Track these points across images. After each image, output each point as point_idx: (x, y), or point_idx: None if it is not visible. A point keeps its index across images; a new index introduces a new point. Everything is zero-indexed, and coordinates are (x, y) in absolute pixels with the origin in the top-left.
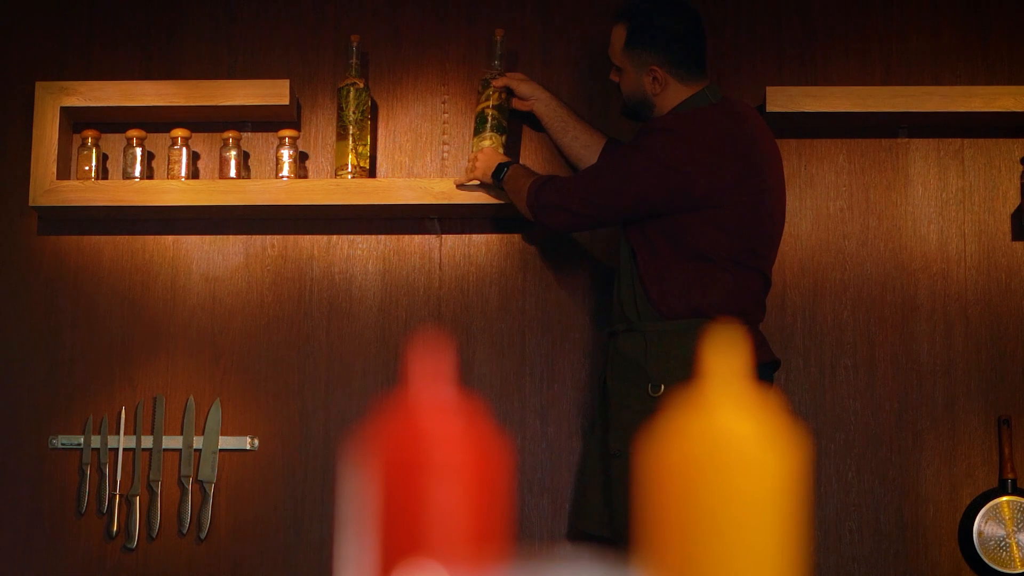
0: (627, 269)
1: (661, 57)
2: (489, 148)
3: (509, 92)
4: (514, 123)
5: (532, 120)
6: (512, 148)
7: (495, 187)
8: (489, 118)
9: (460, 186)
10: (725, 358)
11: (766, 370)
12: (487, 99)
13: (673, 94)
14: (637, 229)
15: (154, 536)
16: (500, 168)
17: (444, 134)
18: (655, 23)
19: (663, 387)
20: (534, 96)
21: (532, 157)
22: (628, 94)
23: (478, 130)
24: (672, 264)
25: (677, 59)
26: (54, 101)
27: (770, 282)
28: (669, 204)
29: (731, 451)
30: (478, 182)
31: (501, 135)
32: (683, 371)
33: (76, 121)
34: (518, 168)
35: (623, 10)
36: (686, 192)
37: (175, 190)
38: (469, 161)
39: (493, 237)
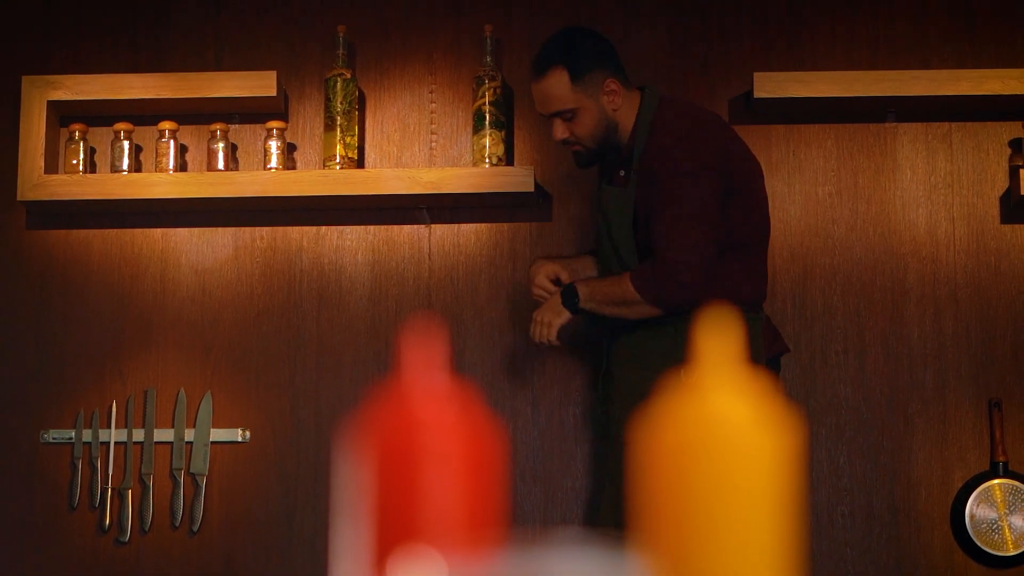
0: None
1: (608, 69)
2: (546, 304)
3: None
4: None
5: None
6: (508, 142)
7: (581, 319)
8: (487, 115)
9: (539, 346)
10: (719, 344)
11: (776, 360)
12: (483, 96)
13: (626, 103)
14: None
15: (147, 529)
16: (569, 296)
17: (432, 124)
18: (585, 44)
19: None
20: (556, 273)
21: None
22: (593, 130)
23: (477, 128)
24: (716, 257)
25: (617, 65)
26: (41, 95)
27: None
28: (723, 198)
29: (725, 436)
30: (555, 337)
31: (500, 131)
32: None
33: (63, 115)
34: (583, 284)
35: (549, 55)
36: (728, 182)
37: (163, 183)
38: (532, 324)
39: (482, 226)
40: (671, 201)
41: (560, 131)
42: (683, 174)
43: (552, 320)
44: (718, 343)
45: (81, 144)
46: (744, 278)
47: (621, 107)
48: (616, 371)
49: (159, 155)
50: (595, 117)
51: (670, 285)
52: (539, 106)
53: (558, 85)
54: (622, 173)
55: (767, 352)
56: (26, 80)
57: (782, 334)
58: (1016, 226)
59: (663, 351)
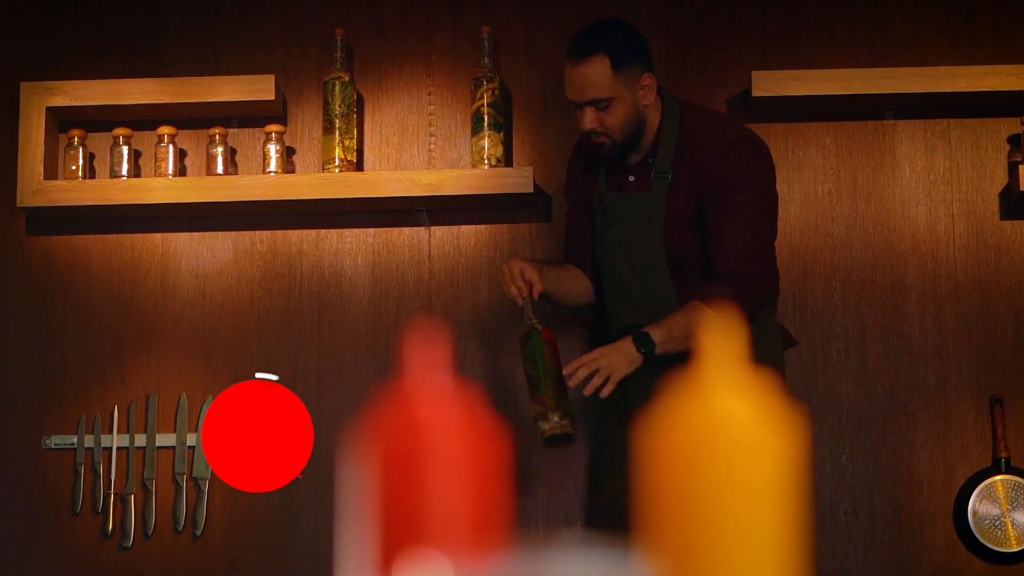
0: (662, 275)
1: (646, 63)
2: (604, 350)
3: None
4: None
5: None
6: (506, 143)
7: (650, 361)
8: (486, 116)
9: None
10: (722, 343)
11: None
12: (481, 98)
13: (654, 104)
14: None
15: (150, 534)
16: (643, 342)
17: (431, 126)
18: (627, 35)
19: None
20: (534, 280)
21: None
22: (624, 122)
23: (476, 130)
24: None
25: (652, 63)
26: (39, 101)
27: None
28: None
29: (729, 434)
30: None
31: (499, 132)
32: (763, 356)
33: (62, 121)
34: (655, 328)
35: (592, 41)
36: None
37: (163, 188)
38: (583, 368)
39: (482, 228)
40: (743, 213)
41: (589, 120)
42: (756, 190)
43: (621, 373)
44: (721, 342)
45: (80, 149)
46: (775, 279)
47: (652, 104)
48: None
49: (158, 160)
50: (628, 110)
51: (758, 302)
52: (573, 92)
53: (599, 72)
54: (632, 179)
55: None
56: (25, 86)
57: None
58: (1015, 222)
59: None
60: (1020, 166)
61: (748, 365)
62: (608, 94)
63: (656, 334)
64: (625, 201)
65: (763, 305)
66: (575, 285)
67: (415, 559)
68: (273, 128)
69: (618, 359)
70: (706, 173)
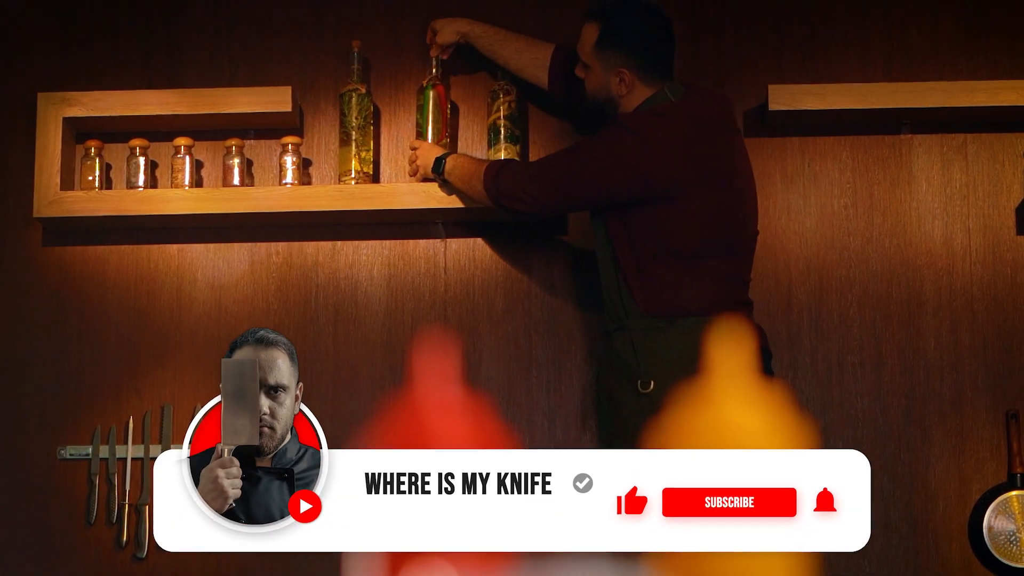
0: (607, 266)
1: (631, 60)
2: (426, 143)
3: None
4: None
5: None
6: (523, 156)
7: (438, 181)
8: (502, 129)
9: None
10: (728, 353)
11: (765, 357)
12: (497, 110)
13: (637, 95)
14: (618, 225)
15: None
16: (438, 162)
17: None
18: (628, 26)
19: (653, 384)
20: (460, 32)
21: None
22: (593, 92)
23: (492, 142)
24: (652, 263)
25: (646, 63)
26: (56, 112)
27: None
28: (625, 197)
29: (738, 445)
30: (422, 178)
31: (515, 144)
32: (675, 368)
33: (79, 131)
34: (458, 158)
35: (597, 9)
36: (643, 190)
37: (179, 199)
38: (410, 161)
39: (498, 240)
40: (581, 142)
41: (578, 68)
42: (605, 146)
43: (424, 173)
44: (727, 353)
45: (97, 160)
46: (679, 284)
47: (627, 96)
48: (603, 381)
49: (175, 171)
50: (596, 85)
51: (503, 184)
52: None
53: (587, 37)
54: None
55: None
56: (42, 97)
57: (798, 346)
58: None
59: (627, 357)
60: None
61: (754, 377)
62: (586, 59)
63: (448, 163)
64: None
65: (504, 199)
66: (525, 54)
67: (424, 569)
68: (289, 140)
69: (423, 160)
70: None
